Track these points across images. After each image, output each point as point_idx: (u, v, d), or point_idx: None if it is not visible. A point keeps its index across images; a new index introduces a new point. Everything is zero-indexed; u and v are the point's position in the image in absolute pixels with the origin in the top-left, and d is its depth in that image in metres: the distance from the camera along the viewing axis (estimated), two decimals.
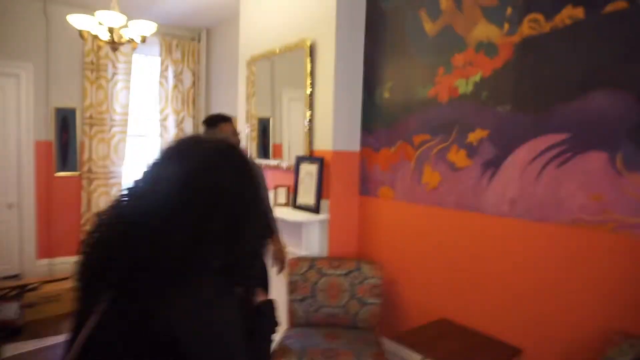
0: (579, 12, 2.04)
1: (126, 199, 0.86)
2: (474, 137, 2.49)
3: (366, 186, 3.22)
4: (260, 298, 1.08)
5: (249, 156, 2.51)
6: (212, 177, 0.84)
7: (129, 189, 0.87)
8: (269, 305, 1.10)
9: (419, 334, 2.48)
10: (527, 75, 2.24)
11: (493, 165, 2.40)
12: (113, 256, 0.79)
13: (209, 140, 0.93)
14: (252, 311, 1.02)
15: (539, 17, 2.19)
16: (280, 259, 2.57)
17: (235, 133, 2.24)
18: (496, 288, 2.40)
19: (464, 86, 2.54)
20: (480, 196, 2.47)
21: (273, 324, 1.08)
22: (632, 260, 1.89)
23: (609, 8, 1.94)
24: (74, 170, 4.86)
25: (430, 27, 2.74)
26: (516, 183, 2.30)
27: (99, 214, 0.87)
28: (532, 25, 2.22)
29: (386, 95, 3.04)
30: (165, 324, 0.74)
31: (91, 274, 0.83)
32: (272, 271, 2.61)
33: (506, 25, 2.33)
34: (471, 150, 2.51)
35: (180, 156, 0.87)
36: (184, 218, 0.79)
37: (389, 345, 2.84)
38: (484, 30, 2.43)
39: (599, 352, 1.91)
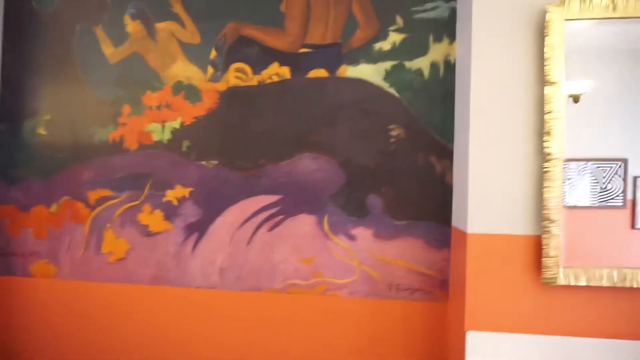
0: (285, 72, 1.99)
1: None
2: (173, 195, 2.06)
3: (8, 262, 2.19)
4: None
5: None
6: None
7: None
8: None
9: None
10: (235, 128, 2.02)
11: (198, 229, 2.03)
12: None
13: None
14: None
15: (246, 67, 2.02)
16: None
17: None
18: None
19: (160, 132, 2.08)
20: (184, 266, 2.04)
21: None
22: (342, 320, 1.92)
23: (312, 74, 1.97)
24: None
25: (111, 52, 2.14)
26: (226, 249, 2.01)
27: None
28: (238, 75, 2.02)
29: (42, 132, 2.18)
30: None
31: None
32: None
33: (210, 69, 2.05)
34: (170, 211, 2.06)
35: None
36: None
37: None
38: (184, 70, 2.07)
39: None
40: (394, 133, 1.91)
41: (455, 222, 1.76)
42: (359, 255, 1.92)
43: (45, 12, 2.21)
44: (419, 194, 1.89)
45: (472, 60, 1.60)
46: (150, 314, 2.06)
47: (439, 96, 1.88)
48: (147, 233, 2.07)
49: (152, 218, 2.07)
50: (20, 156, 2.19)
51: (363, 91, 1.93)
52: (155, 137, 2.08)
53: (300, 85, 1.98)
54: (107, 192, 2.11)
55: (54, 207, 2.15)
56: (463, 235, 1.64)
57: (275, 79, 2.00)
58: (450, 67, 1.88)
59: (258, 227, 1.99)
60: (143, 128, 2.09)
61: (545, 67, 1.37)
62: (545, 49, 1.37)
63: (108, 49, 2.14)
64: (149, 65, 2.10)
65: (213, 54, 2.05)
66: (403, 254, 1.88)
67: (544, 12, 1.39)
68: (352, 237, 1.93)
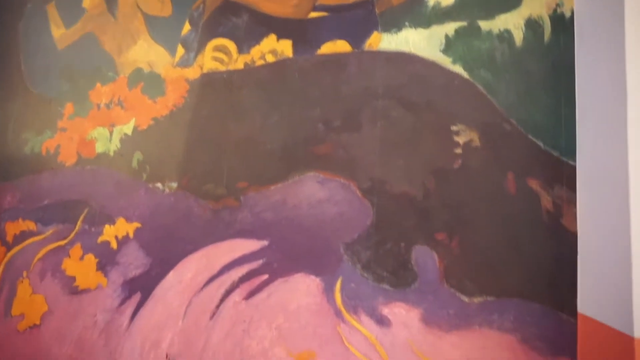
0: (286, 47, 1.28)
1: None
2: (113, 232, 1.36)
3: None
4: None
5: None
6: None
7: None
8: None
9: None
10: (206, 134, 1.32)
11: (142, 288, 1.30)
12: None
13: None
14: None
15: (229, 44, 1.34)
16: None
17: None
18: None
19: (106, 141, 1.42)
20: (115, 348, 1.29)
21: None
22: None
23: (326, 48, 1.25)
24: None
25: (60, 35, 1.57)
26: (177, 324, 1.24)
27: None
28: (218, 55, 1.35)
29: None
30: None
31: None
32: None
33: (180, 50, 1.40)
34: (106, 258, 1.35)
35: None
36: None
37: None
38: (146, 53, 1.44)
39: None
40: (460, 138, 1.09)
41: (586, 307, 0.89)
42: (396, 355, 1.06)
43: None
44: (508, 249, 1.03)
45: None
46: None
47: (544, 75, 1.07)
48: (72, 289, 1.37)
49: (81, 267, 1.37)
50: None
51: (408, 72, 1.16)
52: (100, 148, 1.42)
53: (307, 67, 1.25)
54: (29, 225, 1.46)
55: None
56: (616, 338, 0.77)
57: (270, 58, 1.29)
58: (563, 24, 1.07)
59: (229, 292, 1.22)
60: (86, 134, 1.45)
61: None
62: None
63: (58, 31, 1.58)
64: (104, 48, 1.50)
65: (186, 28, 1.40)
66: (477, 358, 1.01)
67: None
68: (383, 321, 1.09)
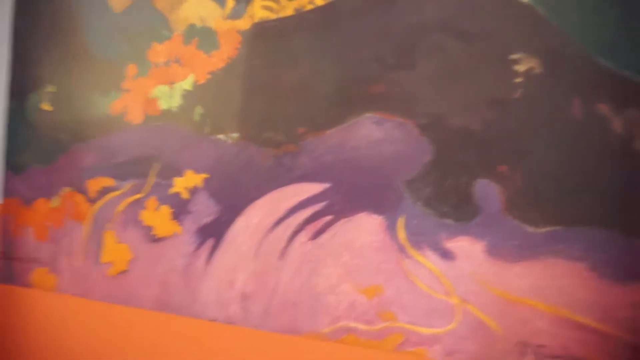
0: None
1: None
2: (183, 184, 1.45)
3: (10, 267, 1.78)
4: None
5: None
6: None
7: None
8: None
9: None
10: (261, 83, 1.35)
11: (214, 233, 1.40)
12: None
13: None
14: None
15: None
16: None
17: None
18: None
19: (167, 98, 1.49)
20: (195, 288, 1.41)
21: None
22: None
23: None
24: None
25: None
26: (249, 266, 1.34)
27: None
28: (267, 4, 1.35)
29: (46, 108, 1.74)
30: None
31: None
32: None
33: (229, 2, 1.41)
34: (179, 207, 1.45)
35: None
36: None
37: None
38: (197, 8, 1.46)
39: None
40: (520, 67, 1.06)
41: None
42: (461, 287, 1.10)
43: None
44: (575, 177, 1.01)
45: None
46: (154, 349, 1.47)
47: None
48: (152, 238, 1.49)
49: (157, 217, 1.49)
50: (25, 139, 1.78)
51: (461, 0, 1.12)
52: (163, 105, 1.50)
53: (357, 6, 1.23)
54: (108, 181, 1.59)
55: (55, 201, 1.69)
56: None
57: (319, 2, 1.28)
58: None
59: (295, 233, 1.28)
60: (148, 93, 1.52)
61: None
62: None
63: None
64: (157, 8, 1.54)
65: None
66: (545, 288, 1.02)
67: None
68: (447, 255, 1.11)
